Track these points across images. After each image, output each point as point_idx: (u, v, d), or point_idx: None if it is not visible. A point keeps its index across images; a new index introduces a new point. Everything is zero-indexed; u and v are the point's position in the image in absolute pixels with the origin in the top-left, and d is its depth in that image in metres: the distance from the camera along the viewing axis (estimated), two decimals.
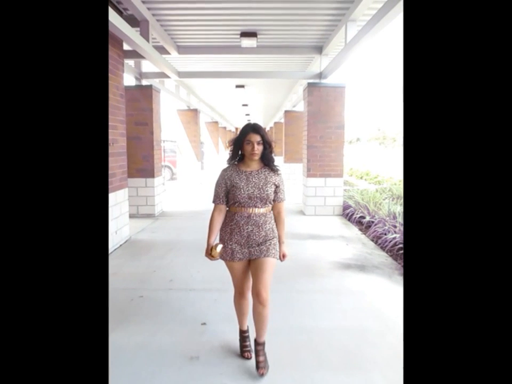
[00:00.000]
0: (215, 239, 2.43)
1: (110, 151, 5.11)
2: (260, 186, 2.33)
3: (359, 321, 3.12)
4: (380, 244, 5.50)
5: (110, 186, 5.15)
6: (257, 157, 2.33)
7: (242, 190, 2.30)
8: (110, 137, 5.10)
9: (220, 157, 21.98)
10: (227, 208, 2.44)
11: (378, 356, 2.61)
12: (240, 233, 2.34)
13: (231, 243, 2.37)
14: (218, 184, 2.41)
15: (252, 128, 2.33)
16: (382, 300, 3.56)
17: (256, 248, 2.34)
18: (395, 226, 5.76)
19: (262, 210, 2.35)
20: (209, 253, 2.36)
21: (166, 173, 15.00)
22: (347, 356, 2.61)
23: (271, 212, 2.45)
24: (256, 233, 2.34)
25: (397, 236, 5.27)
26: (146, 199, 7.59)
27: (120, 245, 5.48)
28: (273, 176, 2.40)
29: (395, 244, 5.19)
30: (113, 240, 5.29)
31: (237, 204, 2.34)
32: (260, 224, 2.35)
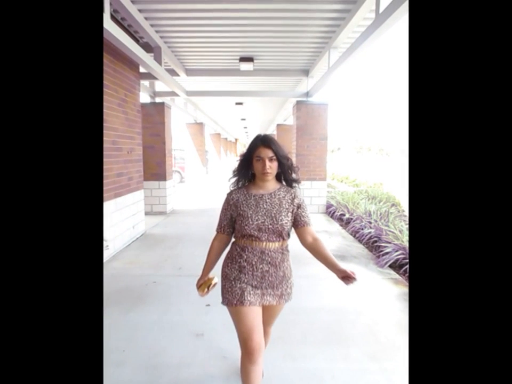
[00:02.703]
0: (211, 271, 1.78)
1: (128, 158, 5.09)
2: (273, 215, 1.58)
3: (339, 303, 3.12)
4: (357, 237, 5.51)
5: (128, 188, 5.13)
6: (270, 177, 1.61)
7: (250, 220, 1.58)
8: (128, 146, 5.08)
9: (221, 162, 21.96)
10: (233, 239, 1.74)
11: (355, 332, 2.62)
12: (253, 273, 1.61)
13: (239, 282, 1.62)
14: (222, 211, 1.71)
15: (261, 141, 1.60)
16: (359, 284, 3.56)
17: (271, 292, 1.63)
18: (370, 222, 5.77)
19: (277, 244, 1.62)
20: (199, 285, 1.74)
21: (176, 177, 14.95)
22: (329, 332, 2.61)
23: (287, 246, 1.70)
24: (273, 273, 1.62)
25: (372, 230, 5.28)
26: (159, 199, 7.56)
27: (137, 238, 5.45)
28: (289, 201, 1.63)
29: (370, 238, 5.20)
30: (131, 234, 5.27)
31: (246, 236, 1.61)
32: (278, 263, 1.62)
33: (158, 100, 7.67)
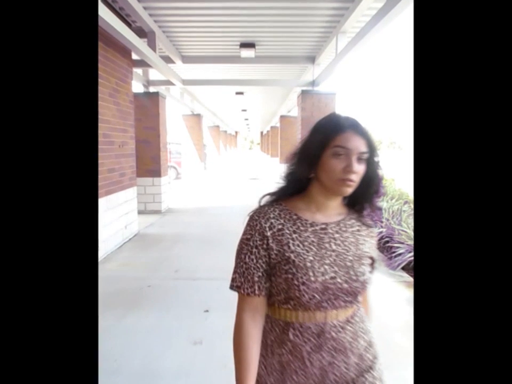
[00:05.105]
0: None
1: (120, 152, 5.10)
2: (348, 264, 0.94)
3: None
4: None
5: (120, 185, 5.14)
6: (351, 189, 0.92)
7: (311, 273, 0.90)
8: (120, 140, 5.09)
9: (221, 158, 21.96)
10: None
11: None
12: (305, 370, 0.93)
13: None
14: (246, 251, 0.95)
15: (350, 124, 0.92)
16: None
17: None
18: (381, 221, 5.76)
19: (349, 312, 0.96)
20: None
21: (172, 173, 14.97)
22: None
23: (360, 308, 1.02)
24: (342, 366, 0.94)
25: (383, 230, 5.27)
26: (154, 196, 7.57)
27: (130, 239, 5.47)
28: (367, 238, 1.01)
29: (381, 238, 5.19)
30: (124, 234, 5.28)
31: (292, 302, 0.92)
32: (348, 345, 0.94)
33: (152, 89, 7.67)
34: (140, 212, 6.84)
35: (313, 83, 7.37)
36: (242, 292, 0.95)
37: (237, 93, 10.69)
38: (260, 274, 0.94)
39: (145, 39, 5.38)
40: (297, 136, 8.03)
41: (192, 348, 2.50)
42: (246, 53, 6.33)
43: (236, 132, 36.31)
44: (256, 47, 6.30)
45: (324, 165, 0.92)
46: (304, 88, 7.56)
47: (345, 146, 0.90)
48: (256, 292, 0.94)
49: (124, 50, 5.10)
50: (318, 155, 0.93)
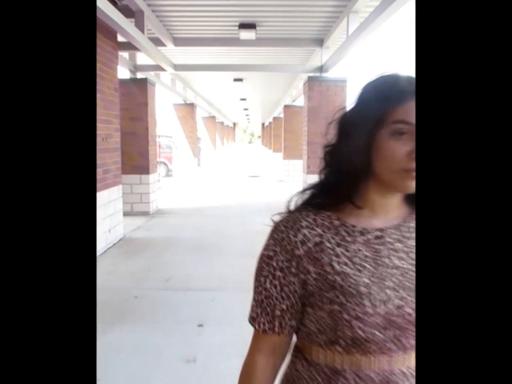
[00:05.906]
0: None
1: (104, 146, 5.10)
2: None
3: None
4: None
5: (104, 183, 5.15)
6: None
7: (367, 300, 0.69)
8: (104, 132, 5.09)
9: (217, 153, 21.98)
10: (294, 345, 0.84)
11: None
12: None
13: None
14: (267, 272, 0.77)
15: (412, 87, 0.66)
16: None
17: None
18: None
19: None
20: None
21: (161, 170, 14.97)
22: None
23: None
24: None
25: None
26: (141, 196, 7.58)
27: (114, 244, 5.47)
28: None
29: None
30: (107, 239, 5.29)
31: (343, 343, 0.72)
32: None
33: (139, 75, 7.67)
34: (125, 214, 6.84)
35: (321, 69, 7.37)
36: (257, 326, 0.78)
37: (235, 80, 10.69)
38: (284, 307, 0.76)
39: (133, 19, 5.38)
40: (303, 128, 8.03)
41: (184, 367, 2.50)
42: (246, 34, 6.33)
43: (234, 124, 36.36)
44: (257, 28, 6.29)
45: (378, 150, 0.72)
46: (311, 74, 7.56)
47: (410, 121, 0.69)
48: (276, 329, 0.77)
49: (108, 32, 5.10)
50: (371, 136, 0.72)
